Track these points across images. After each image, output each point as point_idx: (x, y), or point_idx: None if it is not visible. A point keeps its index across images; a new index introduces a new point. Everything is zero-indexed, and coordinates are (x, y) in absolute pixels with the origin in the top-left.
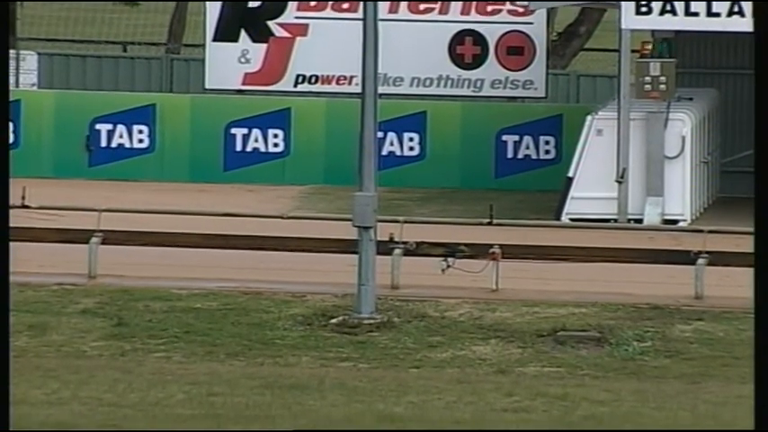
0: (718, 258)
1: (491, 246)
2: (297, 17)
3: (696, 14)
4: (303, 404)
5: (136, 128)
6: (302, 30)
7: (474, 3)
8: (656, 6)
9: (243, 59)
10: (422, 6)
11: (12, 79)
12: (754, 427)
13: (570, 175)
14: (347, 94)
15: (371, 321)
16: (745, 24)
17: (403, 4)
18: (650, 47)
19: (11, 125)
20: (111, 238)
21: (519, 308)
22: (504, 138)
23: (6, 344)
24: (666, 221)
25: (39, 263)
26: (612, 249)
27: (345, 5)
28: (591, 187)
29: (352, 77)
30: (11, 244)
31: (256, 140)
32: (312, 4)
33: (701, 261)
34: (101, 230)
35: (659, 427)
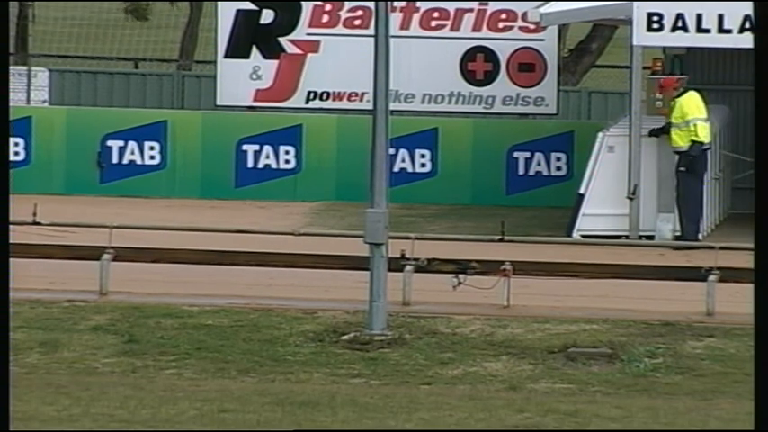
0: (729, 275)
1: (502, 262)
2: (308, 34)
3: (707, 31)
4: (315, 420)
5: (147, 144)
6: (314, 46)
7: (485, 20)
8: (668, 23)
9: (254, 76)
10: (433, 23)
11: (23, 96)
12: (754, 428)
13: (581, 191)
14: (358, 110)
15: (383, 338)
16: None
17: (414, 22)
18: (661, 63)
19: (22, 141)
20: (122, 254)
21: (530, 324)
22: (516, 154)
23: (6, 343)
24: (678, 238)
25: (50, 279)
26: (624, 266)
27: (357, 22)
28: (602, 204)
29: (363, 94)
30: (22, 261)
31: (268, 157)
32: (324, 20)
33: (712, 277)
34: (112, 247)
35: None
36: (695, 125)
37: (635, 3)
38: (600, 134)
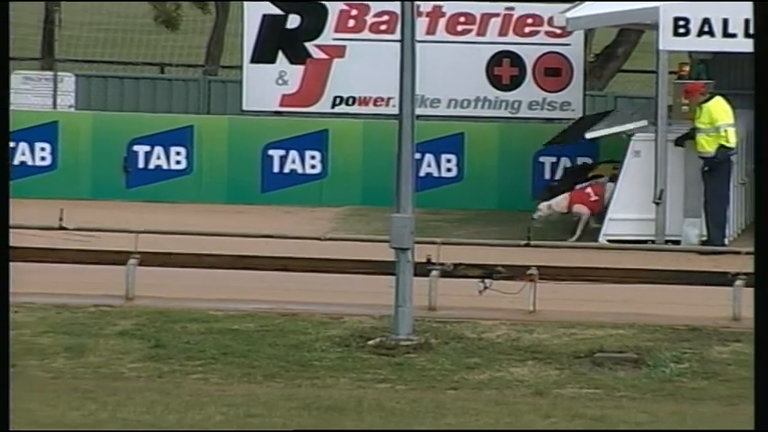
0: None
1: (528, 267)
2: (334, 38)
3: (734, 35)
4: (341, 426)
5: (173, 149)
6: (340, 51)
7: (512, 24)
8: (694, 27)
9: (280, 81)
10: (459, 28)
11: (49, 101)
12: (754, 428)
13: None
14: (384, 115)
15: (409, 343)
16: None
17: (441, 26)
18: (688, 68)
19: (48, 146)
20: (148, 259)
21: (556, 329)
22: (542, 159)
23: (7, 343)
24: (704, 243)
25: (76, 284)
26: (650, 271)
27: (383, 27)
28: (628, 208)
29: (389, 99)
30: (48, 265)
31: (294, 162)
32: (350, 25)
33: (738, 282)
34: (138, 252)
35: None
36: (726, 131)
37: (661, 7)
38: (627, 139)
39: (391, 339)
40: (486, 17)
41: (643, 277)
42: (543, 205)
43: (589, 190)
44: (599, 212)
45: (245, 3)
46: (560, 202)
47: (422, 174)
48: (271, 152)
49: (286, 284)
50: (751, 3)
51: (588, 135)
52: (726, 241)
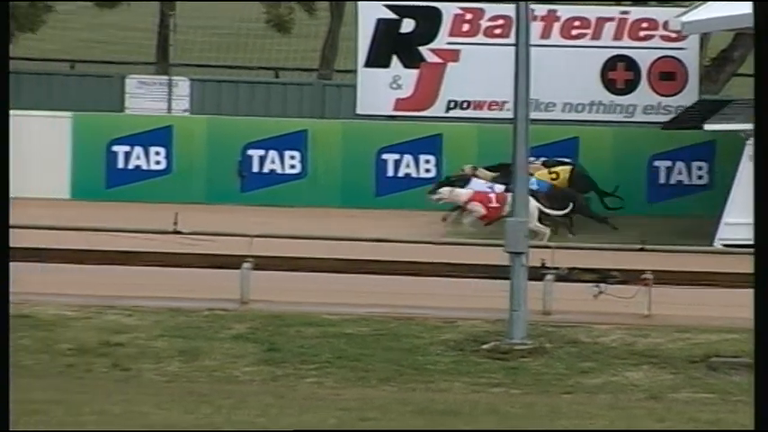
0: None
1: (643, 271)
2: (448, 43)
3: None
4: (455, 429)
5: (288, 153)
6: (454, 55)
7: (626, 28)
8: None
9: (395, 85)
10: (574, 32)
11: (164, 105)
12: (754, 428)
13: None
14: (499, 119)
15: (523, 347)
16: None
17: (555, 30)
18: None
19: (163, 151)
20: (262, 263)
21: (671, 334)
22: (657, 163)
23: (7, 343)
24: None
25: (191, 288)
26: None
27: (497, 31)
28: (744, 213)
29: (503, 103)
30: (163, 269)
31: (408, 166)
32: (464, 29)
33: None
34: (252, 256)
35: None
36: None
37: None
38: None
39: (505, 343)
40: (601, 21)
41: None
42: (445, 190)
43: (492, 195)
44: (495, 220)
45: (359, 7)
46: (462, 194)
47: None
48: (384, 156)
49: (399, 288)
50: None
51: (707, 126)
52: None
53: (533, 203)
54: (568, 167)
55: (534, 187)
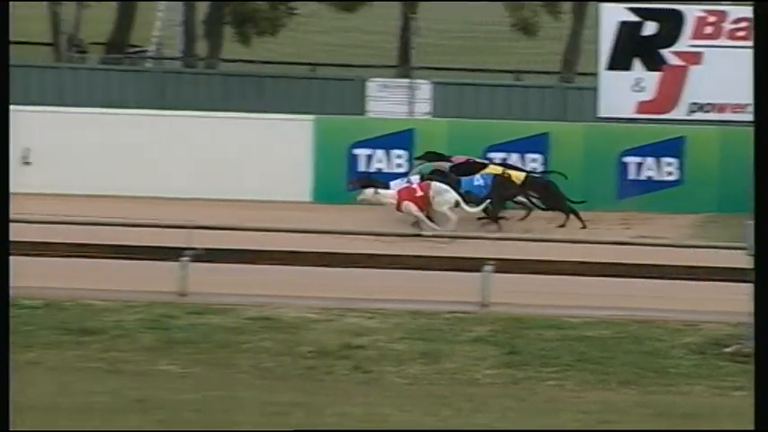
0: None
1: None
2: (691, 45)
3: None
4: (696, 429)
5: (528, 156)
6: (696, 58)
7: None
8: None
9: (637, 88)
10: None
11: (405, 108)
12: (754, 428)
13: None
14: (741, 122)
15: None
16: None
17: None
18: None
19: (404, 154)
20: (503, 266)
21: None
22: (626, 159)
23: (6, 343)
24: None
25: (431, 291)
26: None
27: (740, 34)
28: None
29: (746, 105)
30: (404, 272)
31: (650, 169)
32: (706, 32)
33: None
34: (493, 258)
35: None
36: None
37: None
38: None
39: (748, 347)
40: None
41: None
42: (369, 191)
43: (416, 186)
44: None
45: (601, 9)
46: (388, 195)
47: None
48: (626, 159)
49: (640, 291)
50: None
51: None
52: None
53: (452, 194)
54: (523, 174)
55: (481, 182)
